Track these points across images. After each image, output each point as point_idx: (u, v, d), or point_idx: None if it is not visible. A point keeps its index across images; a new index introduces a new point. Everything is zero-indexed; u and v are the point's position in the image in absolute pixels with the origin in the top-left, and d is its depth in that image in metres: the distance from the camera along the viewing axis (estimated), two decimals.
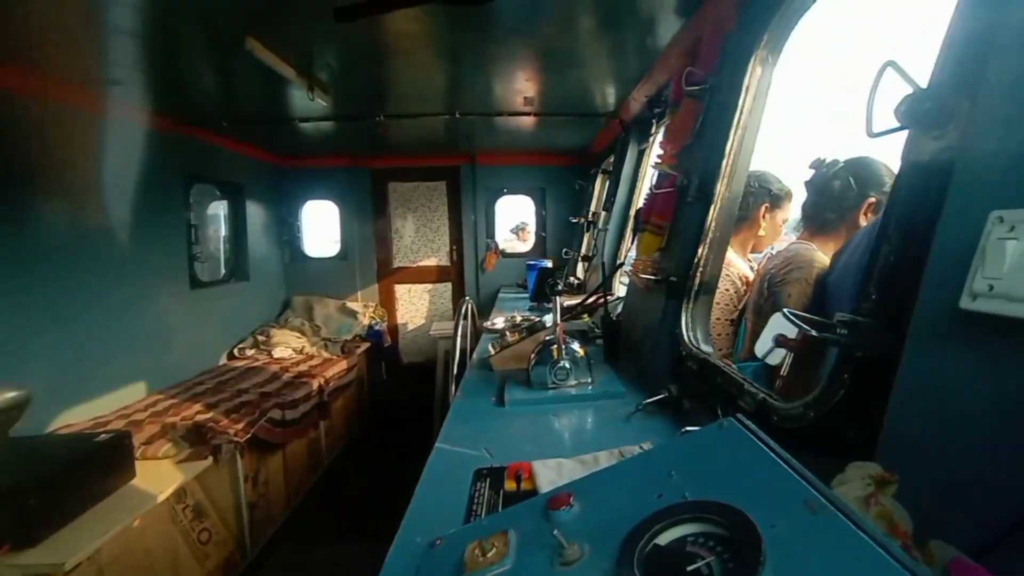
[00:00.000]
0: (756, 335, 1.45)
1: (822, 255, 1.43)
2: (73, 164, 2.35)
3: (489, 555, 0.54)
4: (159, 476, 1.91)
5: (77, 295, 2.35)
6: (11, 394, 0.49)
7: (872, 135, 0.63)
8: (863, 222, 1.42)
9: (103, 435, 1.75)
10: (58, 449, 1.61)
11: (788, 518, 0.44)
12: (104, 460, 1.70)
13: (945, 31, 0.64)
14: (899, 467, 0.56)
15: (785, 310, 0.74)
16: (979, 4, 0.60)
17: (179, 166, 3.10)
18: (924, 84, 0.61)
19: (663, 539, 0.48)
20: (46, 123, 2.18)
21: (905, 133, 0.63)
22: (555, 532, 0.51)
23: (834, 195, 1.44)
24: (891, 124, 0.62)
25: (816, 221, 1.51)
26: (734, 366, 1.25)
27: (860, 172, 1.41)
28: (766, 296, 1.46)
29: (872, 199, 1.40)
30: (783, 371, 1.38)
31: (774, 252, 1.63)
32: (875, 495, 0.54)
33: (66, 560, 1.41)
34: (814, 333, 0.68)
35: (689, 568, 0.43)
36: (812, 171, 1.51)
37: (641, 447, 0.98)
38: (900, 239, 0.67)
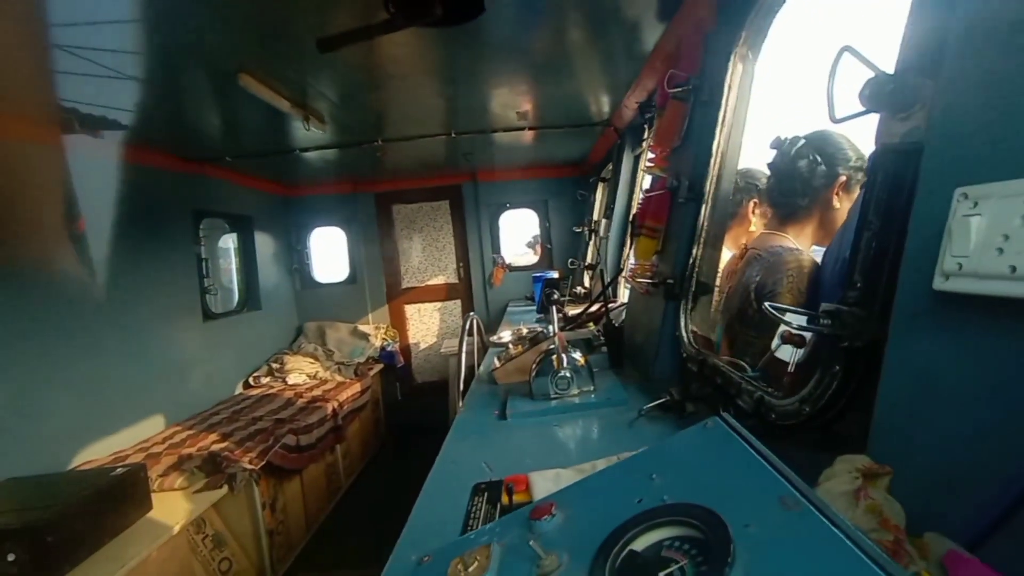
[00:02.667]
0: (740, 343, 1.40)
1: (808, 255, 1.34)
2: (84, 206, 2.42)
3: (471, 569, 0.53)
4: (175, 507, 1.92)
5: (94, 334, 2.41)
6: None
7: (835, 120, 0.63)
8: (836, 203, 1.34)
9: (119, 469, 1.77)
10: (75, 486, 1.63)
11: (763, 517, 0.42)
12: (120, 494, 1.72)
13: (907, 15, 0.63)
14: (890, 458, 0.54)
15: (767, 304, 0.72)
16: None
17: (187, 202, 3.18)
18: (882, 67, 0.60)
19: (639, 544, 0.46)
20: (53, 167, 2.26)
21: (871, 116, 0.62)
22: (531, 543, 0.50)
23: (802, 176, 1.34)
24: (855, 108, 0.61)
25: (785, 207, 1.40)
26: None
27: (826, 148, 1.32)
28: (756, 308, 1.36)
29: (843, 177, 1.31)
30: (790, 367, 1.35)
31: (747, 249, 1.50)
32: (864, 488, 0.52)
33: None
34: (793, 327, 0.66)
35: (661, 574, 0.42)
36: (773, 152, 1.41)
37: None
38: (880, 223, 0.66)
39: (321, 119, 2.45)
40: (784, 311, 0.71)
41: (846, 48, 0.60)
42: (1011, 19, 0.47)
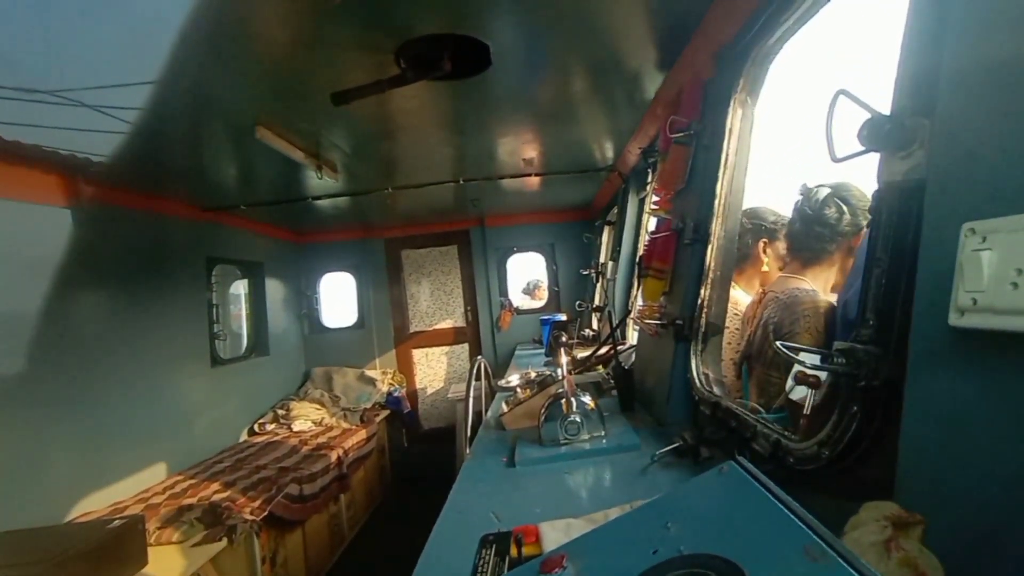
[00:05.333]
0: (763, 385, 1.38)
1: (823, 297, 1.36)
2: (95, 255, 2.47)
3: None
4: (171, 563, 1.85)
5: (98, 381, 2.40)
6: None
7: (836, 160, 0.63)
8: None
9: (116, 522, 1.72)
10: (68, 540, 1.58)
11: (787, 569, 0.40)
12: (115, 549, 1.66)
13: (898, 57, 0.65)
14: (920, 506, 0.51)
15: (778, 343, 0.71)
16: (926, 28, 0.61)
17: (201, 250, 3.25)
18: (878, 108, 0.62)
19: None
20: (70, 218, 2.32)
21: (870, 155, 0.63)
22: None
23: (830, 223, 1.37)
24: (855, 148, 0.62)
25: (809, 251, 1.44)
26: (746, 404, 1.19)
27: (850, 199, 1.37)
28: (774, 348, 1.39)
29: (866, 227, 1.36)
30: (806, 410, 1.31)
31: (765, 292, 1.54)
32: (895, 539, 0.49)
33: None
34: (807, 365, 0.65)
35: None
36: (800, 197, 1.45)
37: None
38: (888, 261, 0.66)
39: (334, 168, 2.53)
40: (797, 350, 0.69)
41: (841, 91, 0.61)
42: (1000, 57, 0.48)
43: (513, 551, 0.82)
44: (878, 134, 0.59)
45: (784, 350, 0.68)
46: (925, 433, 0.53)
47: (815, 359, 1.24)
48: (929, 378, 0.53)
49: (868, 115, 0.60)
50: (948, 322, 0.47)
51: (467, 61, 1.55)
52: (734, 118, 1.38)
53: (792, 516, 0.45)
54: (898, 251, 0.64)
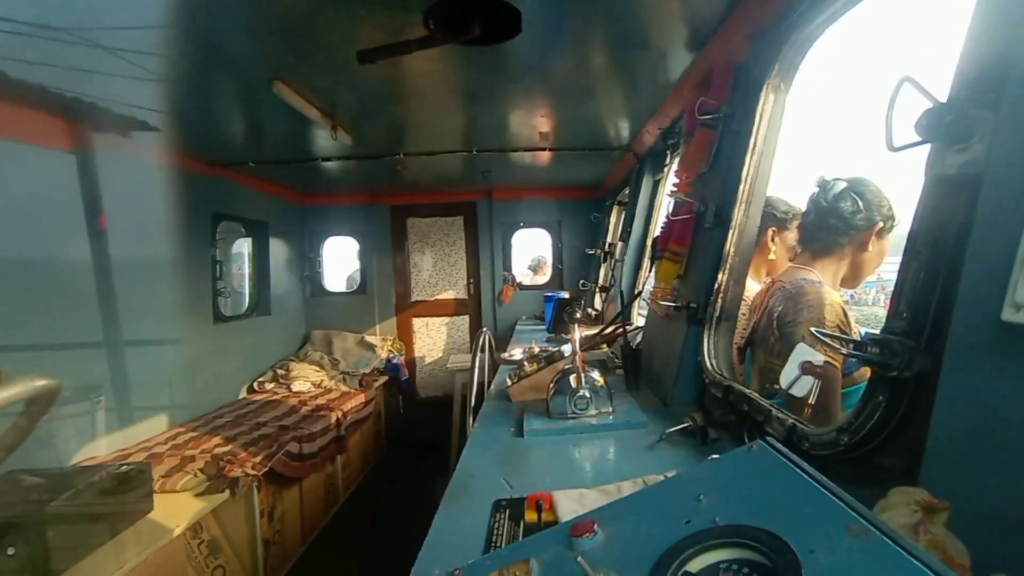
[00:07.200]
0: (765, 371, 1.40)
1: (830, 290, 1.37)
2: (103, 203, 2.44)
3: None
4: (176, 509, 1.89)
5: (103, 329, 2.40)
6: (40, 382, 0.48)
7: (893, 149, 0.63)
8: (869, 247, 1.37)
9: (123, 467, 1.75)
10: (79, 481, 1.61)
11: (829, 543, 0.41)
12: (124, 493, 1.69)
13: (962, 45, 0.64)
14: (946, 494, 0.53)
15: (813, 329, 0.71)
16: (995, 18, 0.60)
17: (207, 205, 3.22)
18: (941, 98, 0.61)
19: (694, 566, 0.45)
20: (75, 164, 2.29)
21: (924, 149, 0.63)
22: (579, 559, 0.49)
23: (844, 216, 1.37)
24: (910, 138, 0.62)
25: (820, 243, 1.43)
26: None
27: (866, 194, 1.36)
28: (777, 336, 1.39)
29: (880, 223, 1.36)
30: (811, 399, 1.33)
31: (773, 282, 1.55)
32: (924, 523, 0.51)
33: None
34: (843, 351, 0.66)
35: None
36: (816, 189, 1.44)
37: (666, 476, 0.94)
38: (929, 255, 0.66)
39: (347, 130, 2.49)
40: (832, 338, 0.70)
41: (907, 79, 0.60)
42: None
43: (532, 516, 0.84)
44: (938, 125, 0.58)
45: (821, 336, 0.69)
46: (958, 424, 0.54)
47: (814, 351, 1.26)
48: (969, 371, 0.54)
49: (929, 105, 0.59)
50: (1001, 317, 0.48)
51: (496, 27, 1.51)
52: (765, 103, 1.36)
53: (830, 495, 0.46)
54: (940, 246, 0.64)
